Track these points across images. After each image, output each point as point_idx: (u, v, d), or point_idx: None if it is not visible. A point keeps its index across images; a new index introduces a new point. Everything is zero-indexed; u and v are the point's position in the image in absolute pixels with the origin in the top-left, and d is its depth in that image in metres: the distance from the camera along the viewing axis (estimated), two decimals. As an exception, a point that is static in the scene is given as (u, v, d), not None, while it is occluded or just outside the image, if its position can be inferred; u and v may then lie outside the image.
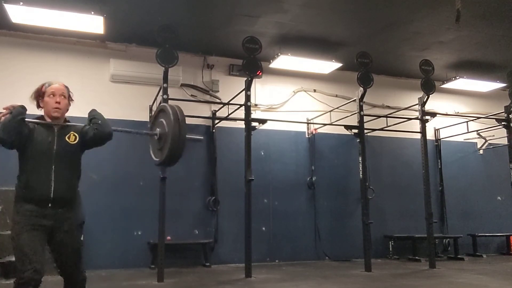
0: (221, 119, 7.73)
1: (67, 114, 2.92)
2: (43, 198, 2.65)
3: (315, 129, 8.62)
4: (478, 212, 9.52)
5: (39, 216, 2.63)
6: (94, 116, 2.86)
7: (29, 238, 2.56)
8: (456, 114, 9.36)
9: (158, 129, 3.08)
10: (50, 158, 2.69)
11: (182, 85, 7.88)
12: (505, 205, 9.63)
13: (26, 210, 2.63)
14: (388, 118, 8.42)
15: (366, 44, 7.44)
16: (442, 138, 9.64)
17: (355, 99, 7.28)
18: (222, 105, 7.58)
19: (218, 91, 8.11)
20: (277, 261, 7.99)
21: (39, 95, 2.79)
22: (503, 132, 8.19)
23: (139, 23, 6.91)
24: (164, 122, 3.02)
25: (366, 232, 6.78)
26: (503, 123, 7.98)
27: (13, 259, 6.21)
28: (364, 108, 7.23)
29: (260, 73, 6.73)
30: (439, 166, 9.51)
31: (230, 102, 7.07)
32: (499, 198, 9.75)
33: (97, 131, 2.78)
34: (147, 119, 7.59)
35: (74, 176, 2.82)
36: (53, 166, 2.69)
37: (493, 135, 9.42)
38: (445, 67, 8.69)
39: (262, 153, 8.16)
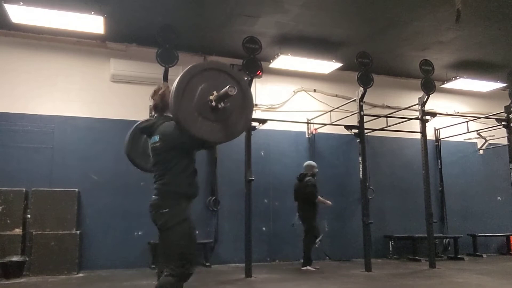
0: (221, 119, 7.71)
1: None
2: (197, 194, 2.79)
3: (315, 129, 8.62)
4: (478, 212, 9.52)
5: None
6: None
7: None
8: (456, 114, 9.36)
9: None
10: None
11: (182, 85, 7.87)
12: (505, 205, 9.63)
13: (189, 208, 2.72)
14: (388, 118, 8.43)
15: (366, 44, 7.44)
16: (442, 138, 9.64)
17: (355, 99, 7.27)
18: (222, 105, 7.57)
19: (218, 91, 8.10)
20: (277, 261, 8.00)
21: None
22: (503, 132, 8.19)
23: (139, 23, 6.90)
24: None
25: (366, 232, 6.78)
26: (503, 123, 7.98)
27: (14, 259, 6.23)
28: (364, 108, 7.23)
29: (260, 73, 6.73)
30: (439, 166, 9.51)
31: (230, 102, 7.06)
32: (499, 198, 9.75)
33: None
34: (147, 119, 7.59)
35: None
36: None
37: (493, 135, 9.42)
38: (445, 67, 8.69)
39: (262, 153, 8.16)
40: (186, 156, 2.70)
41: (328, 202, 7.23)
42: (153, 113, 2.93)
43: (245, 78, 2.72)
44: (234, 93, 2.44)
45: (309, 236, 7.05)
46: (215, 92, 2.52)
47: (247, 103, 2.68)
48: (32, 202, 6.51)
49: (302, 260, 7.13)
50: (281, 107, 8.52)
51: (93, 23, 6.25)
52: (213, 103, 2.51)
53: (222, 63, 2.78)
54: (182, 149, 2.67)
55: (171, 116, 2.57)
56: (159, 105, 2.82)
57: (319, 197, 7.15)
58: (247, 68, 6.34)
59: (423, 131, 7.49)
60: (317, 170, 7.40)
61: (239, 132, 2.68)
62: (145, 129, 2.83)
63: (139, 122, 3.06)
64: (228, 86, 2.43)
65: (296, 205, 7.34)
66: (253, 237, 6.29)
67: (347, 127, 7.24)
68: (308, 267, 6.91)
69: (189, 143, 2.61)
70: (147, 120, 2.86)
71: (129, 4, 6.26)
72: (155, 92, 2.86)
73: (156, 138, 2.71)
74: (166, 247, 2.66)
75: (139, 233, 7.20)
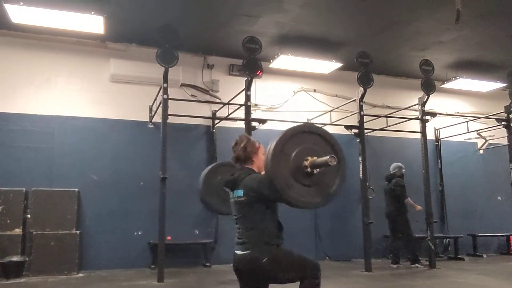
0: (221, 119, 7.73)
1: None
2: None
3: (315, 129, 8.60)
4: (478, 212, 9.52)
5: None
6: None
7: None
8: (456, 114, 9.35)
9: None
10: None
11: (182, 85, 7.88)
12: (505, 205, 9.63)
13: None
14: (388, 118, 8.42)
15: (366, 44, 7.43)
16: (442, 138, 9.64)
17: (355, 99, 7.27)
18: (222, 105, 7.58)
19: (218, 91, 8.11)
20: (277, 261, 7.98)
21: (255, 151, 2.94)
22: (503, 132, 8.18)
23: (139, 23, 6.91)
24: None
25: (366, 232, 6.78)
26: (503, 123, 7.98)
27: (14, 259, 6.25)
28: (364, 108, 7.23)
29: (260, 73, 6.74)
30: (439, 166, 9.51)
31: (230, 102, 7.07)
32: (499, 198, 9.75)
33: None
34: (147, 119, 7.60)
35: None
36: None
37: (493, 135, 9.41)
38: (445, 67, 8.69)
39: (262, 153, 8.16)
40: (271, 209, 2.74)
41: (418, 206, 7.33)
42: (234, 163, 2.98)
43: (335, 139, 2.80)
44: (335, 163, 2.43)
45: (403, 237, 7.30)
46: (309, 158, 2.53)
47: (340, 165, 2.68)
48: (32, 202, 6.51)
49: (390, 259, 7.51)
50: (281, 107, 8.52)
51: (93, 23, 6.25)
52: (308, 169, 2.51)
53: (314, 125, 2.93)
54: (267, 203, 2.70)
55: (253, 169, 2.73)
56: (242, 157, 2.89)
57: (408, 199, 7.38)
58: (247, 68, 6.33)
59: (423, 131, 7.48)
60: (405, 170, 7.63)
61: (333, 195, 2.68)
62: (229, 183, 2.87)
63: (213, 166, 3.10)
64: (329, 156, 2.44)
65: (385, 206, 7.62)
66: (253, 237, 6.28)
67: (347, 127, 7.24)
68: (417, 264, 7.21)
69: (274, 198, 2.64)
70: (231, 174, 2.88)
71: (129, 4, 6.26)
72: (236, 144, 2.93)
73: (241, 192, 2.74)
74: (289, 276, 2.80)
75: (139, 233, 7.21)
